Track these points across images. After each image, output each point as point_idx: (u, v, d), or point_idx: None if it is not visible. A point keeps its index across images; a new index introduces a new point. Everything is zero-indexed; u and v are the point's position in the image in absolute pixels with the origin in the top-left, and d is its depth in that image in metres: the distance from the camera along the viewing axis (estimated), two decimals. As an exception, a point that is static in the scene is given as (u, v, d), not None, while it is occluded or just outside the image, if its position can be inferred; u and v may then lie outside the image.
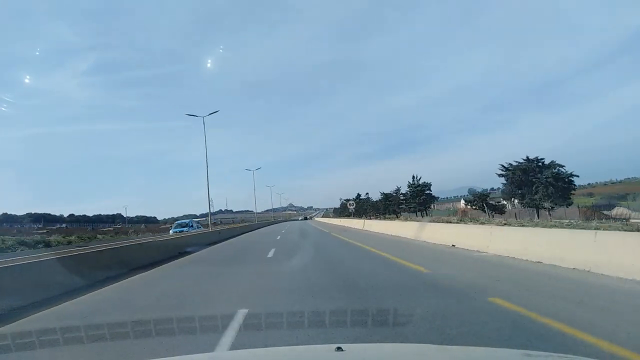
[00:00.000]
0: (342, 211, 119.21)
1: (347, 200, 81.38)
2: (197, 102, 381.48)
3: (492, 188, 66.31)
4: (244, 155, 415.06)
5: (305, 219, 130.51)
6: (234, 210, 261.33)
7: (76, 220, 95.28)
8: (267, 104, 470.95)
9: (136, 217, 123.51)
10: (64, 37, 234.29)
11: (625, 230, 7.59)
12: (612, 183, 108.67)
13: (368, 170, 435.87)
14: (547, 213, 29.48)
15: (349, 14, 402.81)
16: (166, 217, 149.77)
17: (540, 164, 30.30)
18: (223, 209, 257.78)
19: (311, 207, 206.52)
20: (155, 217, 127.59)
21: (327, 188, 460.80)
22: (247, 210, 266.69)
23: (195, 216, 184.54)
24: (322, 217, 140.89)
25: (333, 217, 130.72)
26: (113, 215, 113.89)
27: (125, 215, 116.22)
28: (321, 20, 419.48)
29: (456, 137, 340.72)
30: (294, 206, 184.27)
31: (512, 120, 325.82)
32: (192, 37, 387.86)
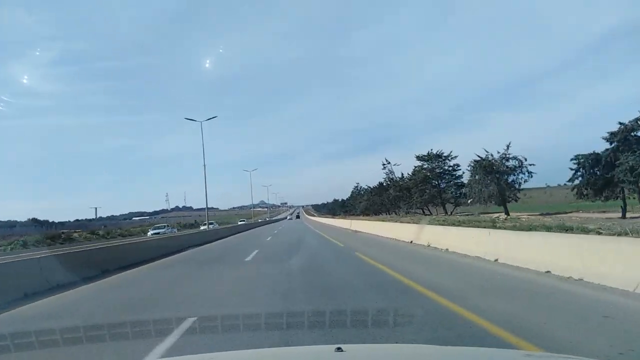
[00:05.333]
0: (337, 207, 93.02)
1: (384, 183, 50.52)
2: (165, 97, 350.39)
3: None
4: (213, 151, 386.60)
5: (298, 217, 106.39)
6: (194, 208, 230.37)
7: None
8: (238, 101, 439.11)
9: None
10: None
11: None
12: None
13: (341, 168, 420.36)
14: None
15: (324, 10, 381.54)
16: (102, 216, 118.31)
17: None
18: (181, 206, 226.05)
19: (285, 203, 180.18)
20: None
21: (300, 185, 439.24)
22: (211, 208, 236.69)
23: (144, 213, 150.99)
24: (311, 216, 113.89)
25: (319, 216, 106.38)
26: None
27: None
28: (296, 17, 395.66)
29: (429, 136, 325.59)
30: (265, 203, 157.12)
31: (484, 119, 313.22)
32: (162, 29, 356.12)
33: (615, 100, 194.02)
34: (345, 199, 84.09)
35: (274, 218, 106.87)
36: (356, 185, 73.26)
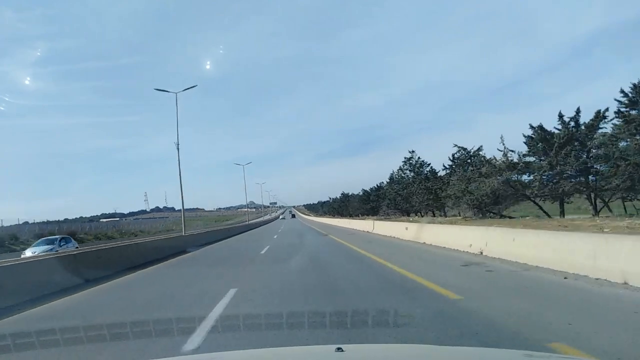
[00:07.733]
0: (338, 206, 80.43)
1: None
2: (151, 95, 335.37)
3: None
4: (201, 152, 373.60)
5: (293, 216, 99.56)
6: (177, 209, 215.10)
7: None
8: (227, 101, 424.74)
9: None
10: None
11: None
12: None
13: (331, 169, 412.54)
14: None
15: (314, 10, 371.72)
16: (80, 216, 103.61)
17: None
18: (161, 207, 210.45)
19: (275, 203, 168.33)
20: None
21: (291, 186, 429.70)
22: (196, 208, 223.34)
23: (115, 214, 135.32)
24: (311, 216, 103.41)
25: (316, 216, 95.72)
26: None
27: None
28: (286, 15, 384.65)
29: (416, 137, 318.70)
30: (254, 204, 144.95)
31: (471, 119, 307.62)
32: (150, 28, 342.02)
33: (600, 100, 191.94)
34: (373, 187, 46.99)
35: (255, 220, 75.62)
36: (416, 157, 30.81)
